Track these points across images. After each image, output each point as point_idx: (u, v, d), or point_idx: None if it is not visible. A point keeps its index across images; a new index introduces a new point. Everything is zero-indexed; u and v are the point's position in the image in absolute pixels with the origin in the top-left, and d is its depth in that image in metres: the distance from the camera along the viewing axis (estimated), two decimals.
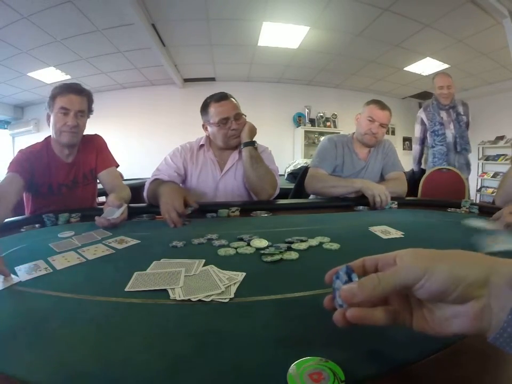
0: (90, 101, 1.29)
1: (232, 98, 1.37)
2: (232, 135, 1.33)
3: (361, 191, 1.28)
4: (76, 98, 1.22)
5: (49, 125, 1.26)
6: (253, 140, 1.34)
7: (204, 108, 1.36)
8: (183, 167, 1.37)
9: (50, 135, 1.29)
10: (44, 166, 1.23)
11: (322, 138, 2.27)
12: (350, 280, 0.28)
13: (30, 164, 1.19)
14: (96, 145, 1.36)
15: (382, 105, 1.51)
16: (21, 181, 1.14)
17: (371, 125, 1.48)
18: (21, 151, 1.24)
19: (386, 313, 0.27)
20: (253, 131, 1.35)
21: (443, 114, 2.49)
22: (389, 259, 0.29)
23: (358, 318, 0.26)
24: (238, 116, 1.32)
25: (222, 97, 1.35)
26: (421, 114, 2.60)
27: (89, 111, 1.30)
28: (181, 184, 1.35)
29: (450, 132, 2.48)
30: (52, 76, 4.00)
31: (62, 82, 1.35)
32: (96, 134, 1.41)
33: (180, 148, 1.42)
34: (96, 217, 0.87)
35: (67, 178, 1.29)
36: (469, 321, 0.23)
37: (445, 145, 2.49)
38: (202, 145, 1.42)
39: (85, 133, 1.32)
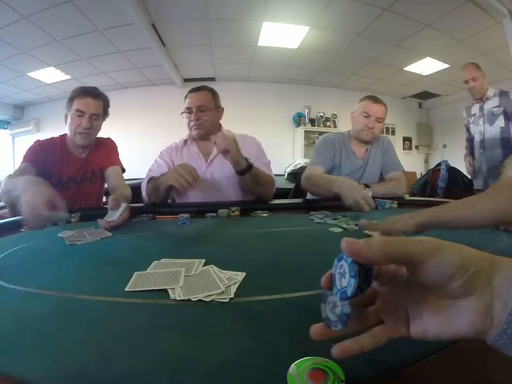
0: (106, 105, 1.36)
1: (206, 91, 1.41)
2: (193, 126, 1.39)
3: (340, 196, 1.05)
4: (91, 102, 1.28)
5: (66, 124, 1.33)
6: (246, 158, 1.17)
7: (184, 99, 1.44)
8: (172, 164, 1.41)
9: (65, 133, 1.36)
10: (57, 157, 1.29)
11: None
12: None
13: (43, 152, 1.26)
14: (108, 147, 1.44)
15: (376, 100, 1.50)
16: (33, 171, 1.18)
17: (367, 121, 1.46)
18: (37, 141, 1.31)
19: (375, 335, 0.27)
20: (235, 146, 1.13)
21: (475, 109, 2.25)
22: None
23: (347, 352, 0.26)
24: (202, 108, 1.37)
25: (193, 89, 1.42)
26: (463, 113, 2.44)
27: (105, 114, 1.37)
28: None
29: (478, 129, 2.24)
30: (52, 75, 3.99)
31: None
32: (109, 138, 1.49)
33: (166, 148, 1.48)
34: (98, 220, 0.87)
35: (77, 173, 1.35)
36: (471, 320, 0.23)
37: (474, 145, 2.30)
38: (186, 141, 1.46)
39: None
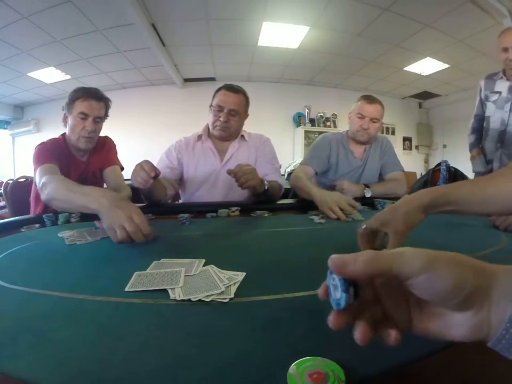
0: (107, 107, 1.34)
1: (242, 96, 1.35)
2: (217, 126, 1.34)
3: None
4: (95, 105, 1.25)
5: (65, 125, 1.30)
6: (262, 180, 1.18)
7: (216, 91, 1.37)
8: (177, 161, 1.37)
9: (65, 133, 1.33)
10: (63, 159, 1.25)
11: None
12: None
13: (52, 153, 1.19)
14: (106, 145, 1.43)
15: (371, 100, 1.47)
16: (57, 169, 1.12)
17: (361, 121, 1.45)
18: (42, 143, 1.25)
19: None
20: (257, 175, 1.14)
21: (503, 86, 1.72)
22: None
23: (368, 336, 0.25)
24: (234, 113, 1.32)
25: (230, 88, 1.35)
26: (481, 81, 1.89)
27: (105, 116, 1.35)
28: (177, 178, 1.38)
29: (500, 115, 1.73)
30: (52, 75, 3.99)
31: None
32: (107, 136, 1.46)
33: (175, 143, 1.43)
34: (95, 222, 0.86)
35: (78, 175, 1.32)
36: (468, 331, 0.23)
37: (488, 132, 1.78)
38: (200, 136, 1.42)
39: None
